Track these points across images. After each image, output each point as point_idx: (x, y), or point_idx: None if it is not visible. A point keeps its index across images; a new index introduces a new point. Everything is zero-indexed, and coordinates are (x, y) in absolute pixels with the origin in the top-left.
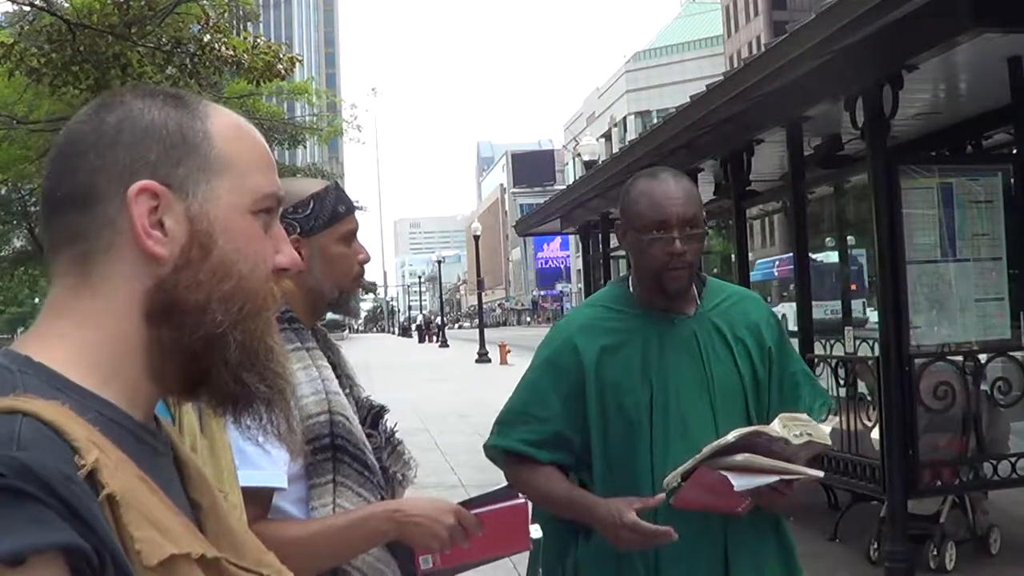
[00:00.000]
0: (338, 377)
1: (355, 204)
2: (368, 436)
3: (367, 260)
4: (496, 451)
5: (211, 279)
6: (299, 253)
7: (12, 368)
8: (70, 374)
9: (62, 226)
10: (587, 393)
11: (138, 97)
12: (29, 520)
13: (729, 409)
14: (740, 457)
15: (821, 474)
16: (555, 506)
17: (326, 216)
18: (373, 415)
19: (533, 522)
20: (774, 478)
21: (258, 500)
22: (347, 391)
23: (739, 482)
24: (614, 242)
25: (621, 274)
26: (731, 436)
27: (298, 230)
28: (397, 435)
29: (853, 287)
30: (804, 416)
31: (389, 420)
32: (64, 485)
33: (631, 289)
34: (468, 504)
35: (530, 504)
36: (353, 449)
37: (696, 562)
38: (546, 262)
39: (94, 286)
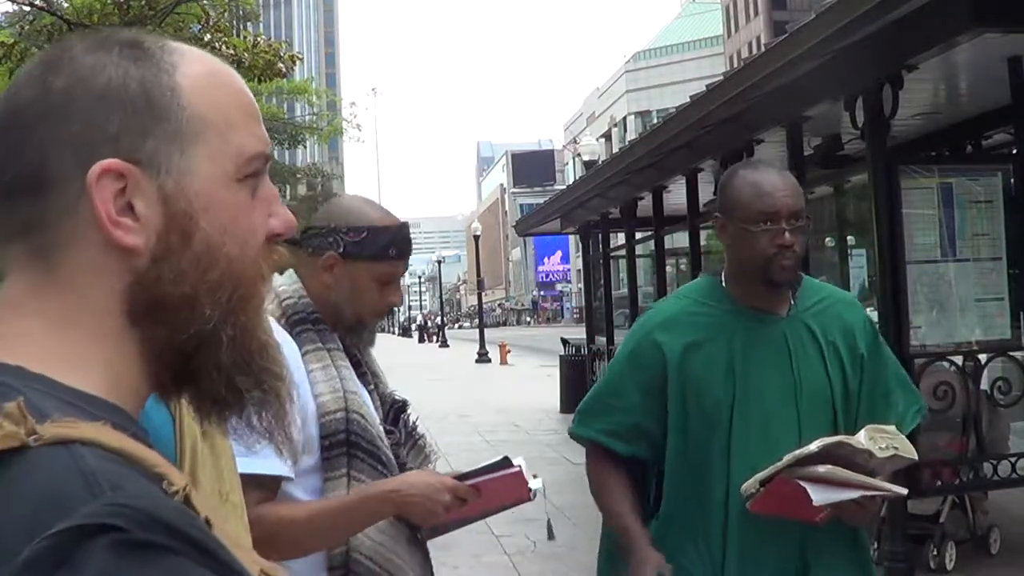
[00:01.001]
0: (363, 374)
1: (408, 252)
2: (388, 432)
3: (397, 305)
4: (580, 439)
5: (196, 267)
6: (331, 271)
7: (12, 383)
8: (75, 383)
9: (13, 214)
10: (669, 389)
11: (89, 51)
12: None
13: (815, 415)
14: (822, 469)
15: (904, 491)
16: (605, 514)
17: (373, 250)
18: (396, 410)
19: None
20: (856, 493)
21: (265, 486)
22: (372, 387)
23: (818, 496)
24: (614, 242)
25: (713, 268)
26: (813, 446)
27: (341, 249)
28: (419, 429)
29: None
30: (892, 428)
31: (411, 414)
32: (189, 524)
33: (724, 283)
34: (464, 476)
35: (524, 465)
36: (367, 445)
37: (767, 567)
38: (547, 275)
39: (62, 282)
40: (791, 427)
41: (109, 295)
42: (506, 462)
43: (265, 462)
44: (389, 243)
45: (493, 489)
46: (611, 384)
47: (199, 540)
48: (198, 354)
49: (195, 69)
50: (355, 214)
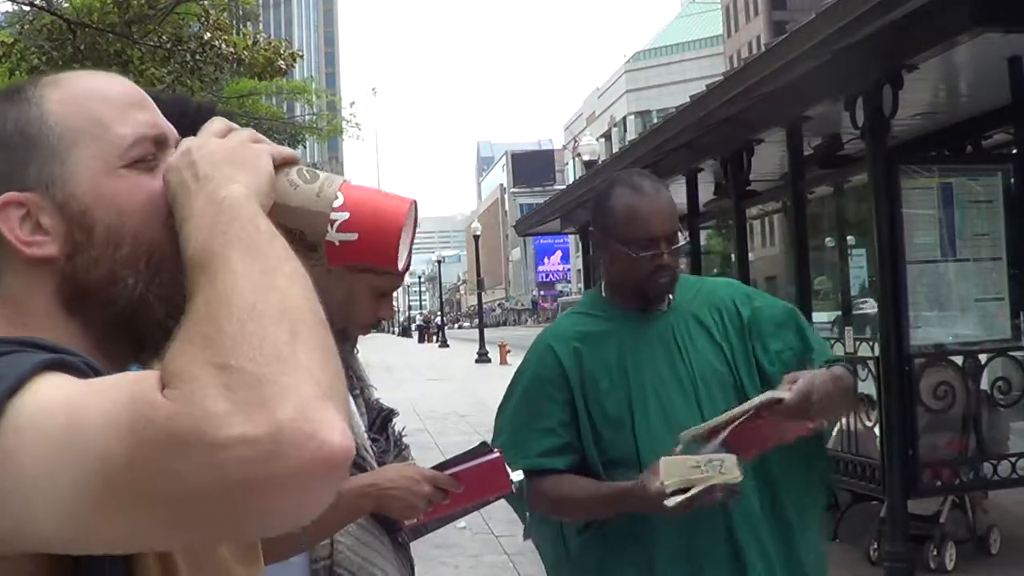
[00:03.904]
0: (348, 378)
1: (409, 265)
2: (374, 441)
3: (388, 319)
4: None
5: (106, 250)
6: (327, 273)
7: None
8: None
9: None
10: (574, 397)
11: None
12: (26, 357)
13: (714, 396)
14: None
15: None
16: (589, 505)
17: None
18: (382, 419)
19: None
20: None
21: None
22: (357, 392)
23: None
24: None
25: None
26: (756, 400)
27: None
28: (405, 439)
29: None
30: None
31: (397, 424)
32: (52, 346)
33: (603, 293)
34: (443, 466)
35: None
36: (353, 455)
37: (698, 557)
38: (547, 275)
39: (7, 296)
40: (692, 412)
41: (45, 298)
42: (484, 447)
43: None
44: None
45: (473, 479)
46: (529, 409)
47: (59, 348)
48: (137, 318)
49: (60, 94)
50: None
